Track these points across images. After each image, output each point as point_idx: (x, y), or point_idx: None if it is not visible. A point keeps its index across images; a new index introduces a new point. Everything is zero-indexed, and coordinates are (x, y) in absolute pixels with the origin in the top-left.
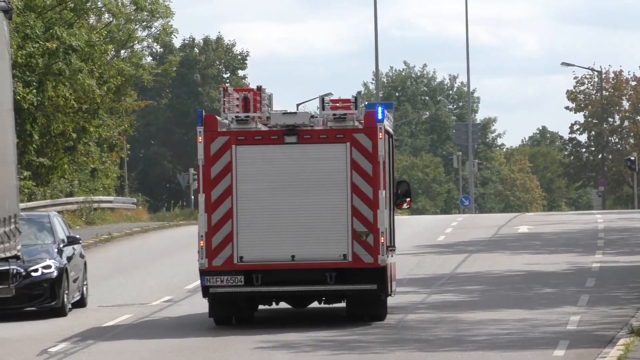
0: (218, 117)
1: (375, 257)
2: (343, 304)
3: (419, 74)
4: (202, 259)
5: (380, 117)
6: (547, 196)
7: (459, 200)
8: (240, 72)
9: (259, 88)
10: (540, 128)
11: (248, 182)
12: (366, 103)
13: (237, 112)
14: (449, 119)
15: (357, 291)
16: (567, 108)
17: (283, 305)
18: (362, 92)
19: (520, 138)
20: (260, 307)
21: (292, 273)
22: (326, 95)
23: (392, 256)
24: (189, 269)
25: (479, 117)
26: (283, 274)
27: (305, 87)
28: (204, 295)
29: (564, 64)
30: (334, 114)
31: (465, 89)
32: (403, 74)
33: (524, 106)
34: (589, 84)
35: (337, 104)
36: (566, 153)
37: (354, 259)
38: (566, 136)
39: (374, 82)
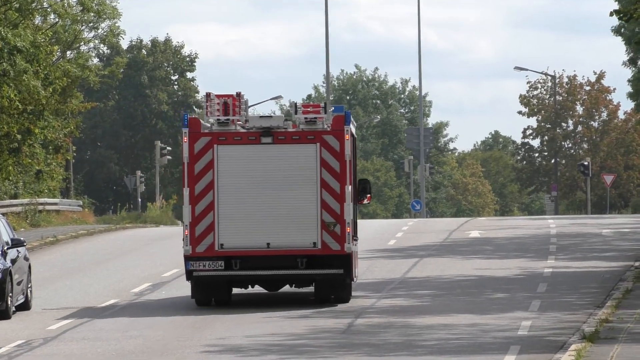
0: (201, 120)
1: (342, 245)
2: (312, 288)
3: (370, 77)
4: (186, 246)
5: (347, 121)
6: (500, 201)
7: (410, 204)
8: (189, 74)
9: (238, 94)
10: (493, 132)
11: (228, 178)
12: (332, 108)
13: (218, 116)
14: (401, 123)
15: (325, 275)
16: (520, 113)
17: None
18: (313, 95)
19: (473, 142)
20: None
21: (268, 259)
22: (276, 97)
23: (355, 245)
24: (135, 272)
25: (431, 121)
26: (259, 260)
27: (255, 90)
28: (188, 278)
29: (517, 68)
30: (306, 118)
31: (417, 92)
32: (354, 77)
33: (477, 111)
34: (543, 89)
35: (309, 109)
36: (519, 158)
37: (323, 246)
38: (519, 141)
39: (324, 85)
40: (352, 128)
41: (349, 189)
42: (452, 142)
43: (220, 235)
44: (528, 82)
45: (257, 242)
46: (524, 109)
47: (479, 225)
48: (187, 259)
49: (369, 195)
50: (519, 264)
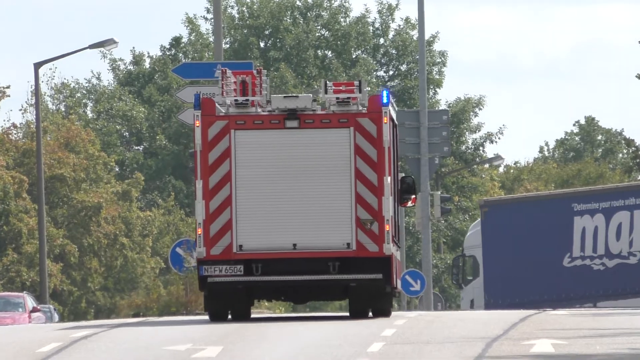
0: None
1: (380, 246)
2: (345, 302)
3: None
4: (200, 248)
5: (385, 100)
6: None
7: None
8: None
9: (259, 71)
10: (584, 120)
11: (247, 168)
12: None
13: (235, 96)
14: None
15: (361, 281)
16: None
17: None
18: (184, 37)
19: (540, 143)
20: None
21: (294, 262)
22: (102, 43)
23: (397, 250)
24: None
25: (446, 96)
26: (284, 263)
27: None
28: (201, 287)
29: None
30: (337, 98)
31: (416, 30)
32: None
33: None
34: None
35: (340, 87)
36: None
37: (358, 247)
38: None
39: (211, 17)
40: (392, 110)
41: (387, 180)
42: (495, 141)
43: (238, 235)
44: None
45: (281, 243)
46: None
47: (551, 327)
48: (201, 262)
49: (414, 196)
50: None
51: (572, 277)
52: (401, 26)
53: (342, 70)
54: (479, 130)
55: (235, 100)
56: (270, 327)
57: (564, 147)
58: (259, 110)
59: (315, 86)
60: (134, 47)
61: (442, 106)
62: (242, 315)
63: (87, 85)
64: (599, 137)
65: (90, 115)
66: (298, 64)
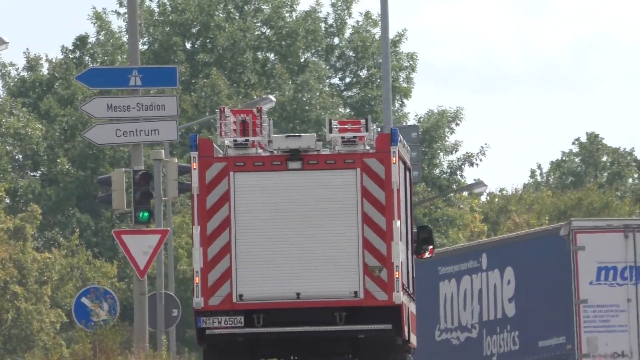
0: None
1: (390, 294)
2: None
3: None
4: (197, 298)
5: (393, 140)
6: None
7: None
8: None
9: (259, 109)
10: (586, 136)
11: (248, 213)
12: (376, 127)
13: (235, 137)
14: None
15: (369, 332)
16: None
17: None
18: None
19: (531, 166)
20: None
21: (298, 313)
22: None
23: (412, 301)
24: None
25: (417, 109)
26: (287, 314)
27: None
28: (199, 341)
29: None
30: (343, 137)
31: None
32: None
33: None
34: None
35: (346, 126)
36: None
37: (366, 296)
38: None
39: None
40: (402, 149)
41: (397, 224)
42: (476, 164)
43: (238, 284)
44: None
45: (284, 292)
46: None
47: None
48: (198, 314)
49: (431, 247)
50: None
51: (441, 354)
52: (360, 23)
53: (288, 77)
54: (456, 151)
55: (235, 140)
56: None
57: (560, 171)
58: (260, 151)
59: (255, 96)
60: (28, 49)
61: (411, 121)
62: None
63: None
64: (604, 159)
65: None
66: (233, 69)
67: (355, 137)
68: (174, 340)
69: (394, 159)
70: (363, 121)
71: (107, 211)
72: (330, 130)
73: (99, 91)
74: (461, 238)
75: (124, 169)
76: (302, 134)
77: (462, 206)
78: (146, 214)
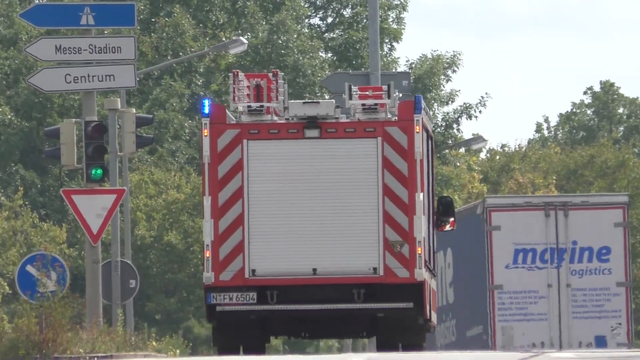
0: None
1: (412, 271)
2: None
3: None
4: (207, 273)
5: (417, 108)
6: None
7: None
8: None
9: (275, 74)
10: (599, 86)
11: (261, 183)
12: (398, 93)
13: (249, 102)
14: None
15: (389, 311)
16: None
17: None
18: None
19: (537, 118)
20: None
21: (314, 289)
22: None
23: (433, 278)
24: None
25: (408, 54)
26: (303, 291)
27: None
28: (209, 318)
29: None
30: (363, 105)
31: None
32: None
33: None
34: None
35: (367, 93)
36: None
37: (386, 272)
38: None
39: None
40: (425, 117)
41: (420, 197)
42: (475, 116)
43: (251, 259)
44: None
45: (299, 268)
46: None
47: None
48: (209, 289)
49: (452, 219)
50: None
51: None
52: None
53: (262, 17)
54: (452, 101)
55: (249, 106)
56: None
57: (570, 125)
58: (275, 118)
59: (224, 38)
60: None
61: (402, 67)
62: (256, 351)
63: None
64: (620, 110)
65: None
66: (199, 6)
67: (376, 104)
68: (132, 315)
69: (417, 127)
70: (385, 87)
71: (55, 167)
72: (350, 97)
73: (45, 31)
74: (458, 200)
75: (74, 119)
76: (320, 100)
77: (458, 164)
78: (99, 171)
